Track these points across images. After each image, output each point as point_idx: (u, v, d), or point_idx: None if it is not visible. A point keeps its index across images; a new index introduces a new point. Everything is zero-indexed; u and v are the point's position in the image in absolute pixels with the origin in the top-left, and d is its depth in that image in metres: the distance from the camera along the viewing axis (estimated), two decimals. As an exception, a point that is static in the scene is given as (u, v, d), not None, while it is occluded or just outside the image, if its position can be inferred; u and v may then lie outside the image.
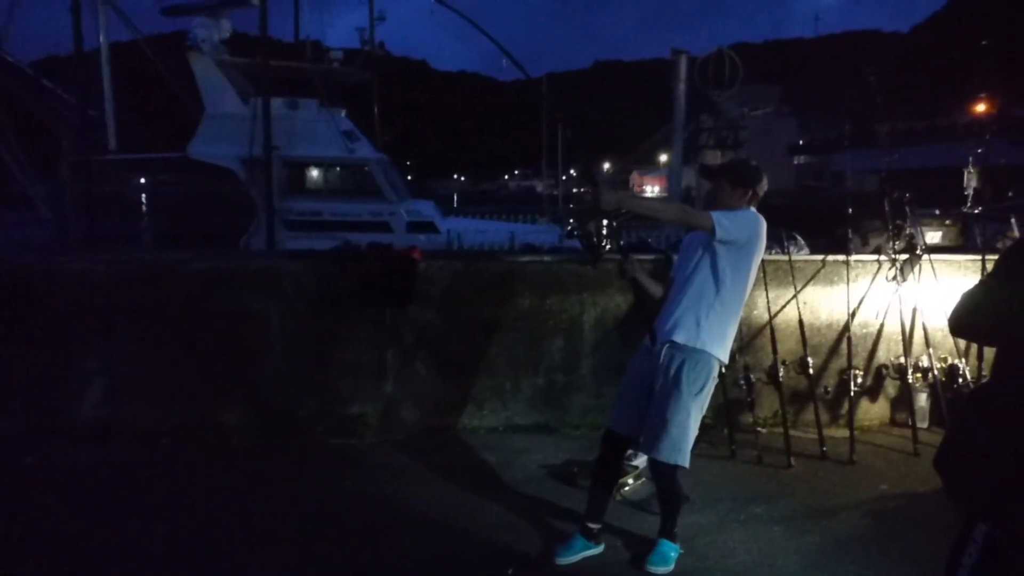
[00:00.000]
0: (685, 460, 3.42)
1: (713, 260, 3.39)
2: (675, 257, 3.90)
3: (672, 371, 3.40)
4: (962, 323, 2.03)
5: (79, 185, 14.17)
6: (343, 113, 17.57)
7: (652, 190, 60.96)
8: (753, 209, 3.52)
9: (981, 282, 1.99)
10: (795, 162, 58.52)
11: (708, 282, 3.41)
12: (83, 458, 4.64)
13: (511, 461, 4.75)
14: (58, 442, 4.79)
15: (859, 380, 5.27)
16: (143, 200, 19.38)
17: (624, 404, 3.61)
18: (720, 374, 4.94)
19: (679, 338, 3.41)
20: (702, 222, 3.33)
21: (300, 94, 17.03)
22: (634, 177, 69.58)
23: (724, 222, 3.31)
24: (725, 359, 3.51)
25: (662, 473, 3.48)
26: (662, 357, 3.43)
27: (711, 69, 8.98)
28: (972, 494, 1.95)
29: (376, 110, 19.88)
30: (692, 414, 3.39)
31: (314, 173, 17.37)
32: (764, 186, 3.58)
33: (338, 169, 17.17)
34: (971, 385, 5.13)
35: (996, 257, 2.19)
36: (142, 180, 19.69)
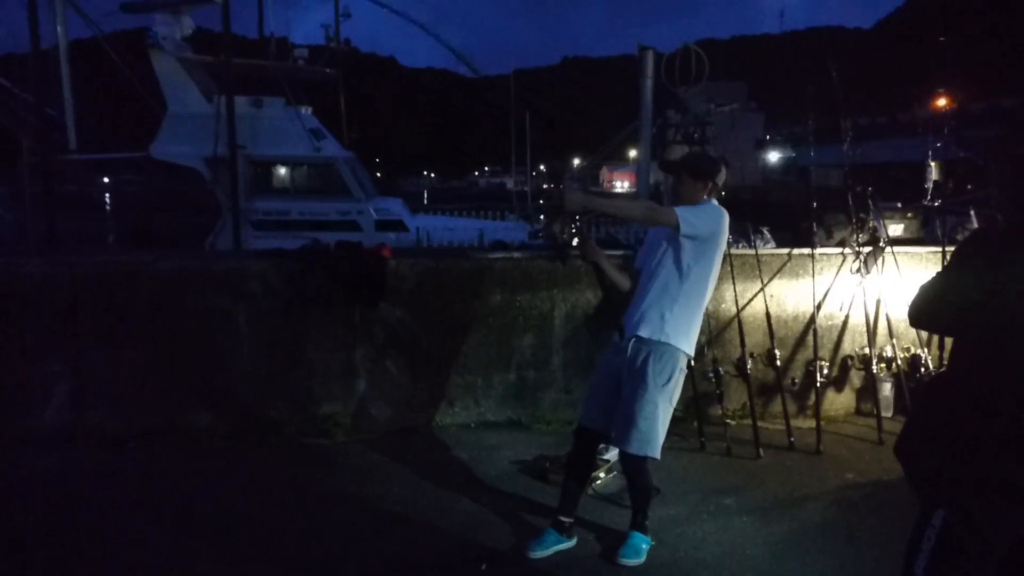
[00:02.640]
0: (655, 451, 3.46)
1: (677, 254, 3.44)
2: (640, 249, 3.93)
3: (638, 364, 3.44)
4: (920, 314, 2.08)
5: (39, 186, 13.86)
6: (309, 111, 17.41)
7: (622, 185, 61.29)
8: (715, 202, 3.58)
9: (937, 274, 2.04)
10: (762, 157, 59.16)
11: (672, 276, 3.46)
12: (48, 464, 4.55)
13: (483, 458, 4.75)
14: (22, 448, 4.69)
15: (825, 371, 5.36)
16: (106, 200, 19.04)
17: (594, 399, 3.66)
18: (689, 367, 5.04)
19: (644, 332, 3.45)
20: (668, 219, 3.39)
21: (265, 92, 16.83)
22: (604, 172, 69.79)
23: (689, 218, 3.36)
24: (691, 352, 3.56)
25: (632, 465, 3.53)
26: (629, 351, 3.48)
27: (677, 65, 9.03)
28: (929, 480, 2.01)
29: (343, 107, 19.71)
30: (660, 406, 3.43)
31: (280, 172, 17.17)
32: (723, 177, 3.63)
33: (305, 168, 16.99)
34: (933, 374, 5.24)
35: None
36: (105, 180, 19.35)
